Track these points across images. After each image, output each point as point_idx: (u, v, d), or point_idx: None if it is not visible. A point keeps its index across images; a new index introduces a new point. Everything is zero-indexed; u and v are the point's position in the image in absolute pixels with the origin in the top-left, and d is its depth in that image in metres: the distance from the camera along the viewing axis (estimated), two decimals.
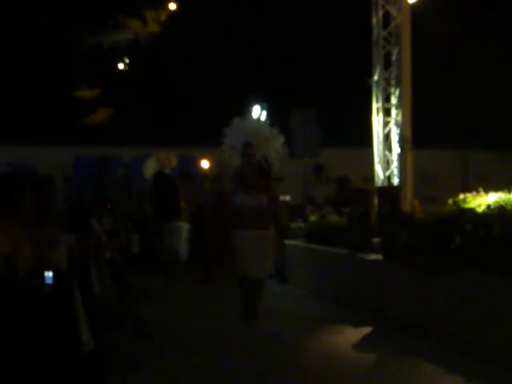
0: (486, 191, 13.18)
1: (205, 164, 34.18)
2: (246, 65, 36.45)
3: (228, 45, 38.65)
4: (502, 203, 11.84)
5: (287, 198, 30.99)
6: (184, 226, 20.17)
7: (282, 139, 13.06)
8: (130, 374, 8.77)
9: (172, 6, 42.69)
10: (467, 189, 13.86)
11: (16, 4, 36.15)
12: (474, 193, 13.20)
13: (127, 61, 41.45)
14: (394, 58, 15.65)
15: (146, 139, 33.75)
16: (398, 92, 15.47)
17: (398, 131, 15.41)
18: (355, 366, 10.02)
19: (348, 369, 9.78)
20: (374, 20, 15.98)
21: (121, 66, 41.36)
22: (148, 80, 39.89)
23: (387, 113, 15.91)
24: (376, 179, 15.89)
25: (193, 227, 21.29)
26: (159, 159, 20.16)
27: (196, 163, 34.18)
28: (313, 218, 18.72)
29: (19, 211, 7.67)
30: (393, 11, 15.74)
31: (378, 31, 16.00)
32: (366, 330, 11.91)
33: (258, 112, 33.50)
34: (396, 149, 15.63)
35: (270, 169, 12.94)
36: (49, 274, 6.79)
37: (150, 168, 20.25)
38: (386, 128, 15.93)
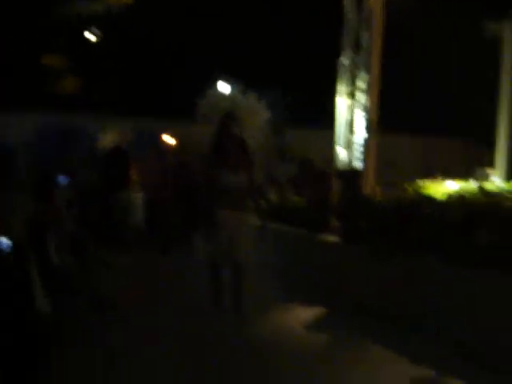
0: (445, 178, 13.22)
1: (169, 138, 34.07)
2: (216, 39, 36.44)
3: (200, 19, 38.60)
4: (462, 192, 11.87)
5: None
6: (135, 196, 20.30)
7: (266, 115, 12.69)
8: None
9: None
10: (427, 175, 13.87)
11: None
12: (433, 178, 13.23)
13: (98, 31, 41.67)
14: (363, 42, 15.59)
15: (114, 111, 33.61)
16: (366, 77, 15.40)
17: (364, 115, 15.34)
18: (309, 345, 10.05)
19: (302, 347, 9.82)
20: (345, 1, 15.93)
21: (92, 37, 41.56)
22: (119, 52, 39.92)
23: (353, 96, 15.84)
24: (338, 162, 15.82)
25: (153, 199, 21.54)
26: (115, 134, 20.56)
27: (160, 136, 34.16)
28: (274, 197, 18.72)
29: None
30: None
31: (349, 13, 15.92)
32: (320, 310, 11.92)
33: (224, 88, 33.47)
34: (360, 133, 15.56)
35: (246, 145, 12.09)
36: (4, 241, 6.71)
37: (107, 141, 20.54)
38: (351, 112, 15.87)
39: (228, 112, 12.11)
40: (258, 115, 10.90)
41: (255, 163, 12.26)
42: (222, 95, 10.92)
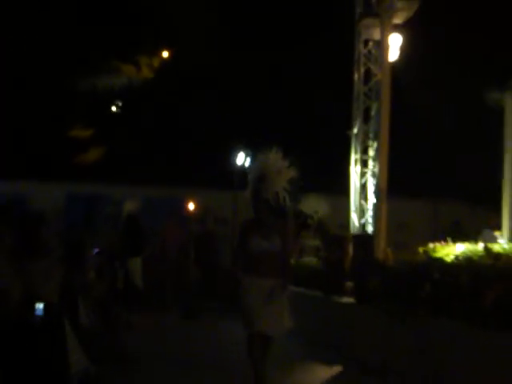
0: (454, 241, 13.34)
1: (191, 206, 34.21)
2: (233, 113, 36.53)
3: (215, 95, 38.87)
4: (469, 254, 11.99)
5: None
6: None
7: (291, 174, 10.88)
8: None
9: (165, 53, 43.40)
10: (437, 237, 13.98)
11: (15, 46, 36.47)
12: (443, 243, 13.34)
13: (120, 104, 42.05)
14: (373, 112, 15.76)
15: (137, 179, 33.77)
16: (375, 145, 15.58)
17: (375, 182, 15.52)
18: None
19: None
20: (356, 76, 16.13)
21: (114, 108, 41.93)
22: (140, 122, 40.13)
23: (364, 164, 16.02)
24: (351, 226, 15.98)
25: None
26: (128, 204, 20.75)
27: (183, 204, 34.25)
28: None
29: (8, 247, 7.73)
30: (374, 68, 15.90)
31: (358, 87, 16.13)
32: (338, 369, 11.96)
33: (242, 159, 33.69)
34: (371, 198, 15.74)
35: (283, 208, 10.73)
36: (39, 306, 6.85)
37: (126, 209, 20.74)
38: (362, 178, 16.05)
39: (259, 176, 10.66)
40: (285, 174, 9.96)
41: (291, 228, 11.62)
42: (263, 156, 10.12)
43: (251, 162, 10.81)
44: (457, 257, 12.03)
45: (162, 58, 43.88)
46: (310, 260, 17.25)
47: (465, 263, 11.11)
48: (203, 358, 12.88)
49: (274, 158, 10.87)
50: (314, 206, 16.44)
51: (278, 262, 10.14)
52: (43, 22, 37.52)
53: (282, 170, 10.80)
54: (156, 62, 43.73)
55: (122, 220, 20.80)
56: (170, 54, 43.16)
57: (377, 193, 15.20)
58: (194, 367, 11.78)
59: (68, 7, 38.60)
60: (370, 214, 15.84)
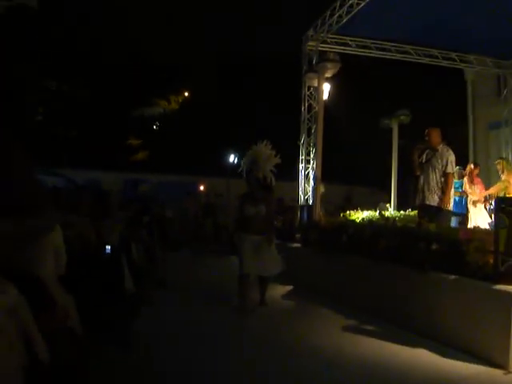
0: (362, 210, 13.43)
1: (201, 187, 34.63)
2: (226, 129, 37.04)
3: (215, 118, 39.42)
4: (370, 217, 12.09)
5: None
6: None
7: (277, 160, 10.68)
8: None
9: (186, 93, 43.95)
10: (351, 208, 14.07)
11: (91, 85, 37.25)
12: (355, 210, 13.43)
13: (158, 124, 42.98)
14: (313, 130, 15.79)
15: (168, 169, 34.33)
16: (314, 150, 15.62)
17: (313, 173, 15.58)
18: (282, 307, 10.20)
19: (278, 308, 9.96)
20: (303, 108, 16.13)
21: (154, 127, 42.77)
22: (170, 135, 41.08)
23: (308, 162, 16.05)
24: (299, 200, 16.03)
25: None
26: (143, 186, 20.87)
27: (197, 186, 34.76)
28: None
29: (88, 210, 7.79)
30: (313, 104, 15.92)
31: (304, 114, 16.13)
32: (289, 287, 11.99)
33: (232, 158, 34.23)
34: (311, 183, 15.81)
35: (270, 184, 10.39)
36: (108, 247, 6.91)
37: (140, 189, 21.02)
38: (306, 171, 16.08)
39: (252, 159, 10.57)
40: (272, 160, 9.48)
41: (273, 199, 10.73)
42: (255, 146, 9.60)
43: (242, 156, 9.98)
44: (363, 219, 12.14)
45: (184, 95, 44.30)
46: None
47: (367, 223, 11.19)
48: (209, 283, 12.70)
49: (265, 147, 10.72)
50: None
51: (264, 222, 9.80)
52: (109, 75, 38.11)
53: (271, 157, 10.59)
54: (180, 98, 44.14)
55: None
56: (189, 92, 43.76)
57: (314, 180, 15.22)
58: (203, 290, 11.67)
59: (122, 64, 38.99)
60: (310, 193, 15.85)
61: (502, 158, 14.60)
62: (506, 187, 13.57)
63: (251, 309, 9.59)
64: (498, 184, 14.05)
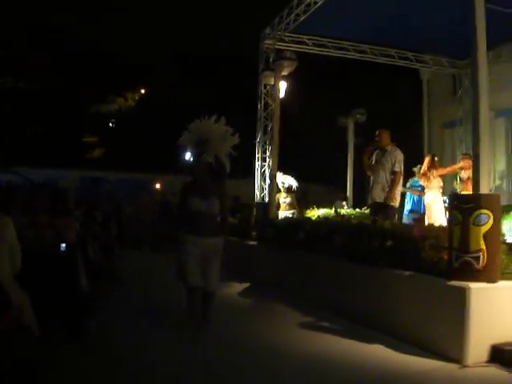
0: (318, 208, 13.54)
1: (157, 185, 34.47)
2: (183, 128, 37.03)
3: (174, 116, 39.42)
4: (326, 214, 12.21)
5: None
6: None
7: (235, 141, 8.19)
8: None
9: (142, 90, 43.88)
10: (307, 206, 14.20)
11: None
12: (311, 208, 13.54)
13: (115, 121, 42.81)
14: (269, 128, 15.81)
15: (126, 168, 34.14)
16: (270, 148, 15.66)
17: (269, 171, 15.62)
18: (239, 304, 10.20)
19: (234, 306, 9.94)
20: (259, 106, 16.14)
21: (110, 124, 42.60)
22: (127, 133, 41.00)
23: (264, 160, 16.08)
24: (256, 198, 16.05)
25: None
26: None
27: (153, 184, 34.64)
28: None
29: (45, 209, 7.70)
30: (270, 102, 15.95)
31: (260, 112, 16.15)
32: (246, 285, 11.99)
33: (188, 156, 34.04)
34: (267, 181, 15.84)
35: (222, 170, 7.93)
36: (63, 245, 6.87)
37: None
38: (262, 168, 16.11)
39: (199, 141, 7.93)
40: (229, 140, 8.31)
41: (226, 189, 8.08)
42: (200, 122, 8.41)
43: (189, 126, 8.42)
44: (319, 216, 12.26)
45: (140, 92, 44.25)
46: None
47: (323, 220, 11.30)
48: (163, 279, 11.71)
49: (218, 123, 8.16)
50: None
51: (215, 221, 7.69)
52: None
53: (227, 135, 8.14)
54: (136, 96, 44.09)
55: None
56: (146, 90, 43.75)
57: (270, 177, 15.27)
58: (159, 288, 11.34)
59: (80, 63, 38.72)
60: (266, 190, 15.90)
61: (466, 154, 13.99)
62: (460, 171, 13.58)
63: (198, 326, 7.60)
64: (454, 166, 14.15)
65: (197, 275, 7.47)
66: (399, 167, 11.03)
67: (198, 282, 7.47)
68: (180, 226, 7.76)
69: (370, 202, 11.51)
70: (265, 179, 16.14)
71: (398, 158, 11.01)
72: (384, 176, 11.02)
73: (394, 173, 10.97)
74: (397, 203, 11.19)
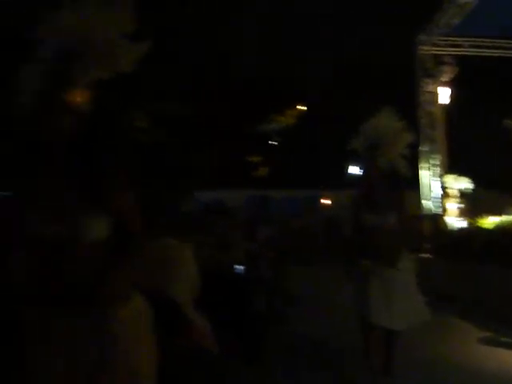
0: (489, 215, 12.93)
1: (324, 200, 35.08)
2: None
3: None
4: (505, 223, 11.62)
5: None
6: None
7: (410, 137, 6.46)
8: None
9: (301, 106, 44.45)
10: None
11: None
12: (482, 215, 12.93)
13: (277, 139, 43.63)
14: (433, 136, 15.38)
15: (289, 185, 34.98)
16: (438, 157, 15.19)
17: (434, 179, 15.13)
18: None
19: None
20: (420, 114, 15.76)
21: (274, 142, 43.53)
22: (289, 150, 41.94)
23: (428, 169, 15.63)
24: (423, 209, 15.57)
25: None
26: None
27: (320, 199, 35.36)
28: None
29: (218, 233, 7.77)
30: (431, 109, 15.55)
31: (422, 120, 15.71)
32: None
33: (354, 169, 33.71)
34: (435, 191, 15.36)
35: (398, 177, 6.42)
36: (238, 266, 6.92)
37: None
38: (427, 177, 15.61)
39: (370, 144, 6.26)
40: (403, 138, 6.47)
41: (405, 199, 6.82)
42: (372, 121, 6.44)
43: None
44: (498, 225, 11.68)
45: (299, 109, 45.07)
46: None
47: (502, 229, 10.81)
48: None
49: (388, 119, 6.49)
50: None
51: (394, 240, 5.94)
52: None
53: (399, 133, 6.43)
54: (295, 113, 44.89)
55: None
56: (304, 105, 44.67)
57: (442, 188, 14.81)
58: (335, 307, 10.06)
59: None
60: (434, 200, 15.37)
61: None
62: None
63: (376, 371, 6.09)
64: None
65: (377, 312, 5.79)
66: None
67: (378, 319, 5.80)
68: (355, 249, 6.23)
69: None
70: (430, 188, 15.63)
71: None
72: None
73: None
74: None
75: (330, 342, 8.05)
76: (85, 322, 2.57)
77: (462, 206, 15.48)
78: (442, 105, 14.74)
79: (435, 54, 15.21)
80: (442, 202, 14.38)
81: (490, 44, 15.54)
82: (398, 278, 5.81)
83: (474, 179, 21.61)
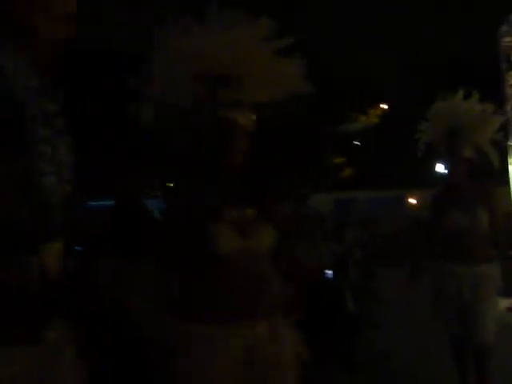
0: None
1: (411, 200, 34.46)
2: None
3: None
4: None
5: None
6: None
7: (499, 120, 5.32)
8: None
9: (384, 106, 43.90)
10: None
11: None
12: None
13: (360, 139, 43.28)
14: None
15: (375, 185, 34.52)
16: None
17: None
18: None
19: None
20: (509, 107, 15.24)
21: (356, 142, 43.12)
22: (373, 150, 41.74)
23: None
24: None
25: None
26: None
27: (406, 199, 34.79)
28: None
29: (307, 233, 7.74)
30: None
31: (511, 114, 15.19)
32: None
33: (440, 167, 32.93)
34: None
35: (488, 168, 5.34)
36: (328, 271, 6.94)
37: None
38: None
39: (450, 131, 5.11)
40: (490, 122, 5.14)
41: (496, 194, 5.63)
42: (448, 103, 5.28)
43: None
44: None
45: (382, 108, 44.58)
46: None
47: None
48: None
49: (470, 101, 5.28)
50: None
51: (483, 242, 4.97)
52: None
53: (486, 116, 5.24)
54: (378, 111, 44.41)
55: None
56: (386, 104, 44.29)
57: None
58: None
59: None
60: None
61: None
62: None
63: None
64: None
65: (455, 322, 5.01)
66: None
67: (456, 329, 5.03)
68: (434, 251, 5.41)
69: None
70: None
71: None
72: None
73: None
74: None
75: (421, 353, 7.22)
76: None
77: None
78: None
79: None
80: None
81: None
82: (481, 282, 4.92)
83: None
